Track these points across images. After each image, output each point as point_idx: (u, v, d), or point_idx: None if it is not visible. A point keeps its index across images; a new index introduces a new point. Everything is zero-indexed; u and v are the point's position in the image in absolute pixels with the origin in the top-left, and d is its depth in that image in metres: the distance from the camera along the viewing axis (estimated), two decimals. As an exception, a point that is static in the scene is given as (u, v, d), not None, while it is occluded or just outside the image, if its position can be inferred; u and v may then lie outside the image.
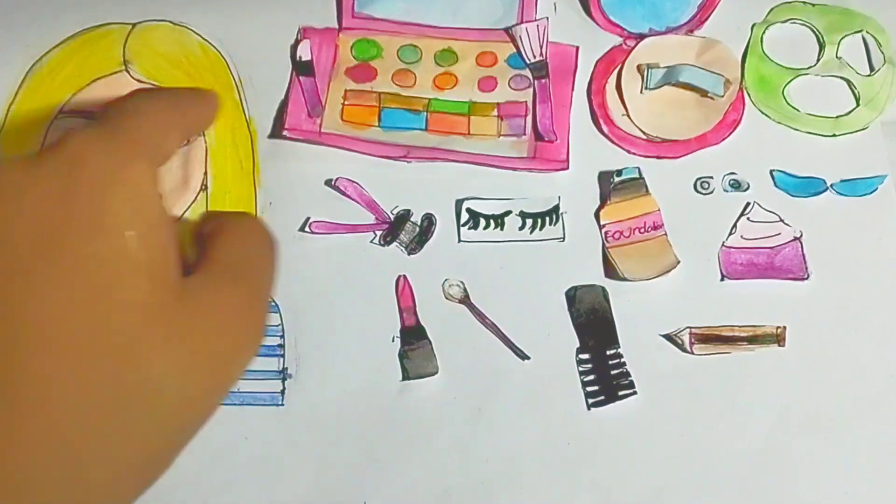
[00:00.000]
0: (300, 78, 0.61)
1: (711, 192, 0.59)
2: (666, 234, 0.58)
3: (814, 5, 0.63)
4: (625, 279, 0.57)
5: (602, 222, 0.58)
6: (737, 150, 0.60)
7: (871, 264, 0.58)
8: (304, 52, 0.61)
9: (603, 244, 0.58)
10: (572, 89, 0.62)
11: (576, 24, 0.63)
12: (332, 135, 0.60)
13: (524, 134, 0.61)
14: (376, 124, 0.61)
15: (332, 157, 0.60)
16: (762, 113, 0.61)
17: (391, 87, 0.62)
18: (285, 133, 0.60)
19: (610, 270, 0.57)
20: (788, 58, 0.62)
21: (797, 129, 0.60)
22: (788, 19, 0.63)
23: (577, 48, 0.63)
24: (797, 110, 0.60)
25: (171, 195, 0.60)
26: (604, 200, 0.59)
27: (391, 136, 0.61)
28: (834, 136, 0.60)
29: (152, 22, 0.64)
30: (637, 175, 0.58)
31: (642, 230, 0.58)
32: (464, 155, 0.60)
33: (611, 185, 0.58)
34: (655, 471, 0.54)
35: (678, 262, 0.57)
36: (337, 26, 0.64)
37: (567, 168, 0.60)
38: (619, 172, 0.58)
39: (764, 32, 0.62)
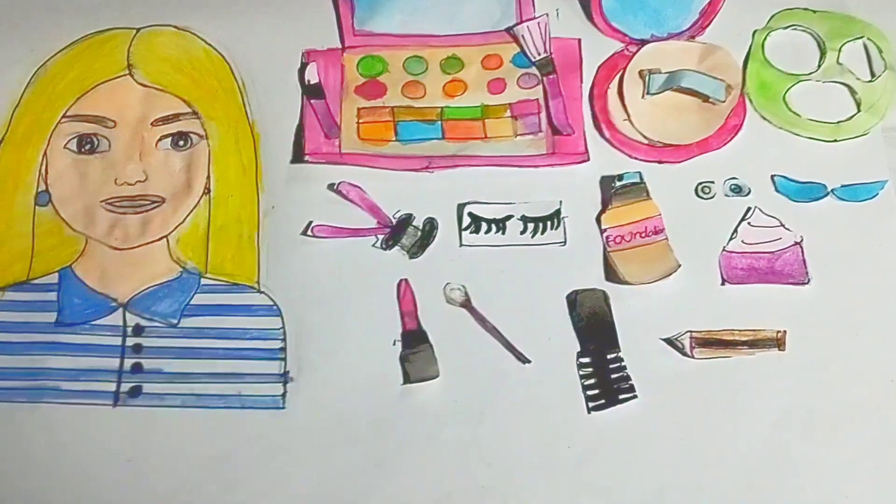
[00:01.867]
0: (311, 101, 0.61)
1: (713, 197, 0.59)
2: (667, 238, 0.58)
3: (815, 12, 0.63)
4: (625, 283, 0.57)
5: (603, 226, 0.58)
6: (738, 155, 0.60)
7: (871, 269, 0.58)
8: (311, 76, 0.62)
9: (604, 248, 0.58)
10: (581, 81, 0.63)
11: (578, 29, 0.64)
12: (352, 154, 0.61)
13: (540, 131, 0.61)
14: (394, 139, 0.62)
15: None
16: (763, 118, 0.61)
17: (402, 101, 0.62)
18: (307, 158, 0.61)
19: (611, 274, 0.58)
20: (789, 63, 0.62)
21: (799, 135, 0.60)
22: (790, 25, 0.63)
23: (580, 40, 0.63)
24: (798, 116, 0.61)
25: (175, 199, 0.60)
26: (605, 205, 0.59)
27: (411, 149, 0.61)
28: (835, 141, 0.60)
29: (156, 27, 0.64)
30: (638, 180, 0.59)
31: (643, 234, 0.58)
32: (484, 159, 0.60)
33: (612, 190, 0.58)
34: (655, 473, 0.54)
35: (679, 267, 0.57)
36: (340, 46, 0.64)
37: (588, 160, 0.60)
38: (621, 177, 0.59)
39: (765, 39, 0.62)
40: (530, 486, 0.55)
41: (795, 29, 0.63)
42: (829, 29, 0.63)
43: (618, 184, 0.58)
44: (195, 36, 0.64)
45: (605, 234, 0.58)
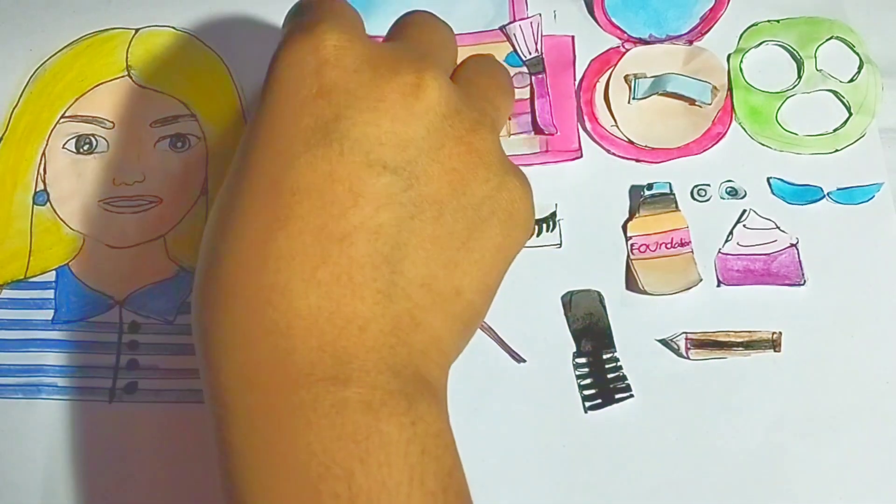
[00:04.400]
0: None
1: (708, 200, 0.59)
2: (692, 251, 0.58)
3: (779, 21, 0.63)
4: (645, 293, 0.57)
5: (629, 234, 0.58)
6: (734, 157, 0.60)
7: (867, 271, 0.58)
8: None
9: (627, 255, 0.58)
10: (574, 79, 0.63)
11: (577, 21, 0.64)
12: None
13: (532, 130, 0.62)
14: None
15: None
16: (763, 145, 0.60)
17: None
18: None
19: (631, 283, 0.58)
20: (772, 82, 0.62)
21: (801, 154, 0.60)
22: (760, 42, 0.63)
23: (573, 37, 0.63)
24: (795, 134, 0.60)
25: (172, 199, 0.60)
26: (632, 213, 0.59)
27: None
28: (836, 151, 0.60)
29: (155, 28, 0.65)
30: (668, 190, 0.59)
31: (669, 245, 0.58)
32: None
33: (640, 198, 0.59)
34: (651, 474, 0.54)
35: (700, 280, 0.57)
36: None
37: (581, 157, 0.61)
38: (650, 186, 0.59)
39: (742, 61, 0.62)
40: (525, 485, 0.54)
41: (767, 44, 0.63)
42: (798, 36, 0.62)
43: (647, 193, 0.59)
44: (194, 38, 0.64)
45: (630, 242, 0.58)
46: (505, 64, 0.63)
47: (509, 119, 0.61)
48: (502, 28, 0.64)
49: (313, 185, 0.37)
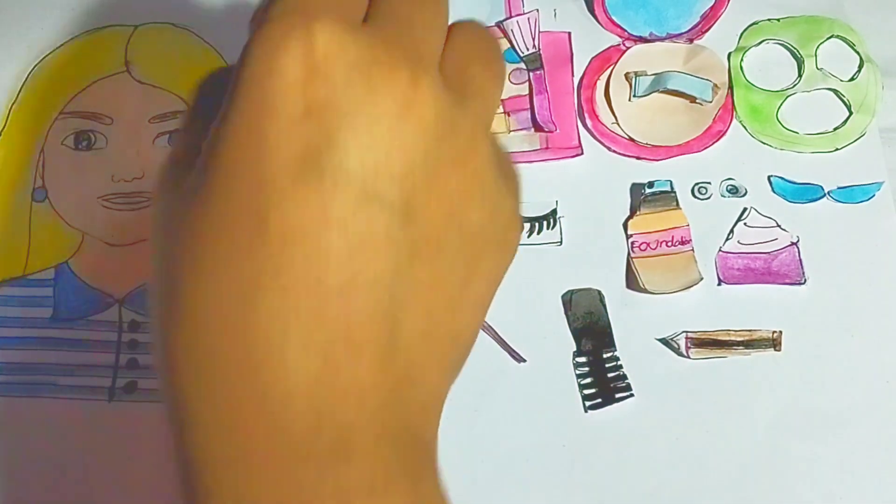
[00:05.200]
0: None
1: (709, 198, 0.59)
2: (693, 249, 0.58)
3: (779, 20, 0.63)
4: (646, 291, 0.57)
5: (629, 232, 0.58)
6: (734, 155, 0.60)
7: (867, 270, 0.57)
8: None
9: (628, 254, 0.58)
10: (572, 75, 0.63)
11: (577, 20, 0.64)
12: None
13: (532, 126, 0.61)
14: None
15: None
16: (763, 143, 0.60)
17: None
18: None
19: (632, 281, 0.58)
20: (772, 80, 0.62)
21: (801, 152, 0.60)
22: (761, 41, 0.63)
23: (570, 33, 0.63)
24: (796, 133, 0.60)
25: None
26: (633, 211, 0.59)
27: None
28: (836, 150, 0.60)
29: (154, 24, 0.64)
30: (668, 188, 0.59)
31: (669, 244, 0.58)
32: None
33: (641, 196, 0.59)
34: (651, 473, 0.54)
35: (701, 279, 0.57)
36: None
37: (581, 153, 0.61)
38: (651, 184, 0.59)
39: (742, 60, 0.62)
40: (526, 484, 0.54)
41: (767, 43, 0.63)
42: (798, 35, 0.62)
43: (648, 191, 0.59)
44: (193, 34, 0.64)
45: (630, 240, 0.58)
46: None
47: (507, 116, 0.61)
48: (499, 24, 0.64)
49: (307, 229, 0.32)
